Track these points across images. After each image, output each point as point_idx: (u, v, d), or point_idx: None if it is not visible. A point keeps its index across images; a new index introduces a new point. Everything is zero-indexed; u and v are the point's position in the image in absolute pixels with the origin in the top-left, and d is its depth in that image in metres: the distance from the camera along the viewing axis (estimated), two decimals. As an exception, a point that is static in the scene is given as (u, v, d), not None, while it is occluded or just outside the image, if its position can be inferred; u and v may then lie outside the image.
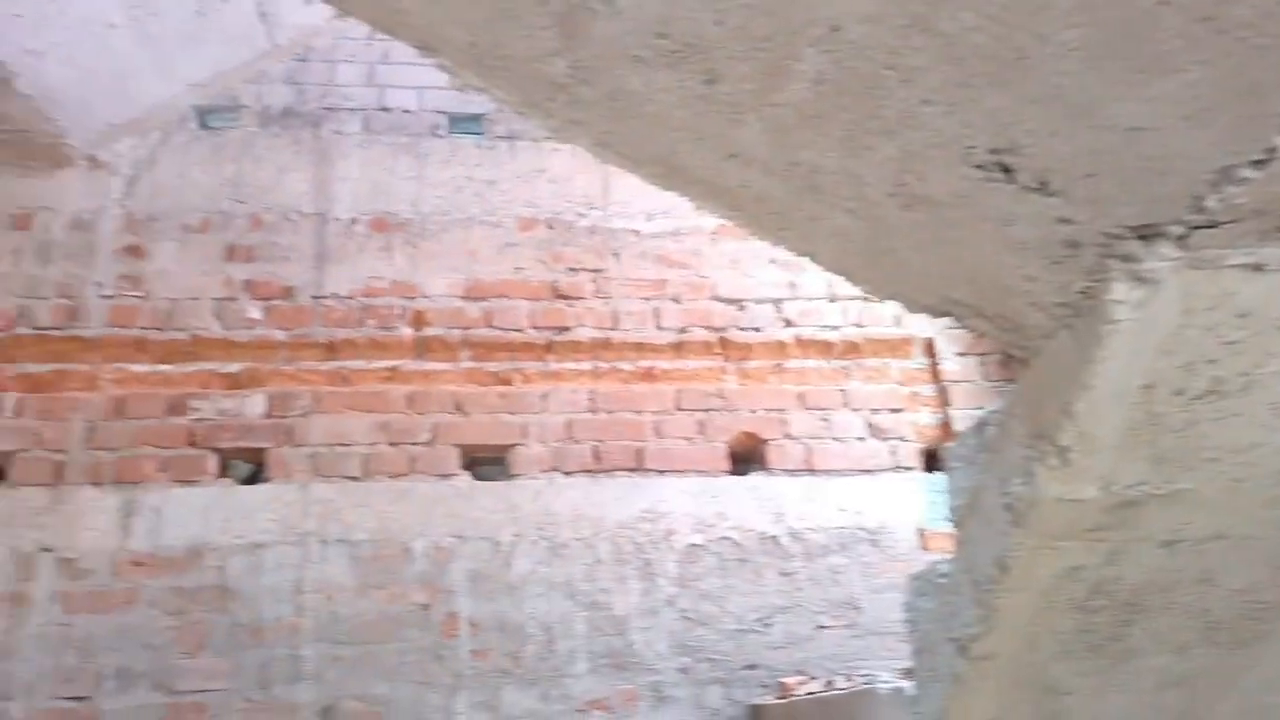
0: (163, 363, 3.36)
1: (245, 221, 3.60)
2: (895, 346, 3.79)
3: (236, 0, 3.57)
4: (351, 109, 3.91)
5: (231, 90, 3.84)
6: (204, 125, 3.80)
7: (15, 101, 3.23)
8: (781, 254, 3.81)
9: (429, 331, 3.52)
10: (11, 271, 3.43)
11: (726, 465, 3.51)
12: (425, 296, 3.57)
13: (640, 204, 3.86)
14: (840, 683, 2.81)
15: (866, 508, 3.47)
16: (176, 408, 3.29)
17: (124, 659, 2.93)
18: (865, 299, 3.76)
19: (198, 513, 3.14)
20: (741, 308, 3.75)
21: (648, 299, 3.74)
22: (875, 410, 3.67)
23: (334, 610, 3.07)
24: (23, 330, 3.34)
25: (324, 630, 3.04)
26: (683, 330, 3.69)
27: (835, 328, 3.77)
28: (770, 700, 2.97)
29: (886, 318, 3.80)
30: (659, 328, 3.70)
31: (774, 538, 3.37)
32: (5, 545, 3.03)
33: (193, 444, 3.25)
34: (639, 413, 3.55)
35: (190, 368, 3.36)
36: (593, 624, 3.15)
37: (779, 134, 1.14)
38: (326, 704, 2.94)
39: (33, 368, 3.32)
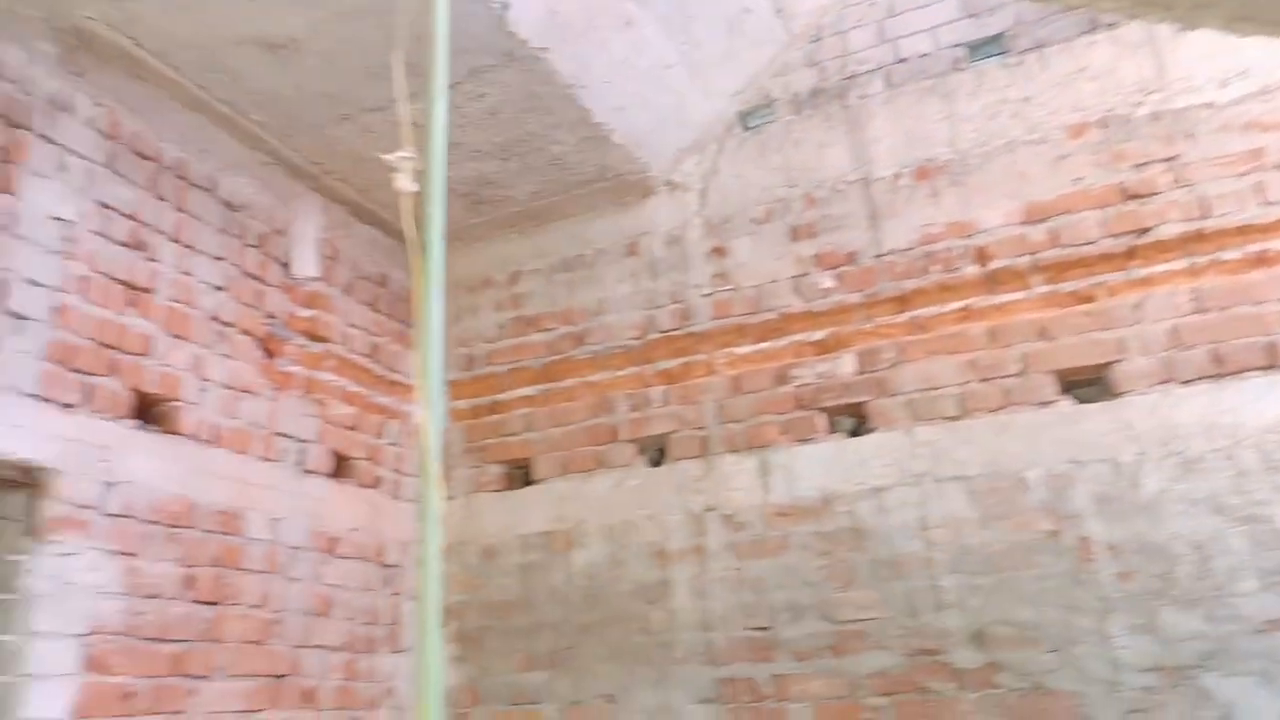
0: (760, 341, 3.85)
1: (800, 203, 3.95)
2: None
3: (756, 8, 3.94)
4: (870, 71, 4.04)
5: (763, 89, 4.23)
6: (746, 127, 4.25)
7: (612, 152, 3.97)
8: None
9: (994, 265, 3.50)
10: (634, 290, 4.22)
11: (1400, 346, 2.90)
12: (983, 231, 3.56)
13: (1208, 72, 3.38)
14: None
15: None
16: (781, 378, 3.74)
17: (790, 595, 3.44)
18: None
19: (820, 465, 3.55)
20: (1377, 157, 3.07)
21: (1242, 174, 3.26)
22: None
23: (961, 543, 3.23)
24: (653, 335, 4.09)
25: (956, 562, 3.22)
26: (1299, 200, 3.14)
27: None
28: None
29: None
30: (1264, 204, 3.20)
31: None
32: (680, 509, 3.75)
33: (801, 407, 3.68)
34: (1259, 304, 3.11)
35: (783, 342, 3.80)
36: (1254, 539, 2.85)
37: None
38: (975, 629, 3.11)
39: (664, 364, 4.04)
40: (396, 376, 4.40)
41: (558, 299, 4.38)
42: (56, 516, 2.77)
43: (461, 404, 4.42)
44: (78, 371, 2.90)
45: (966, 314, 3.50)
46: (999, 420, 3.31)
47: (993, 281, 3.49)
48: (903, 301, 3.63)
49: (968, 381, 3.41)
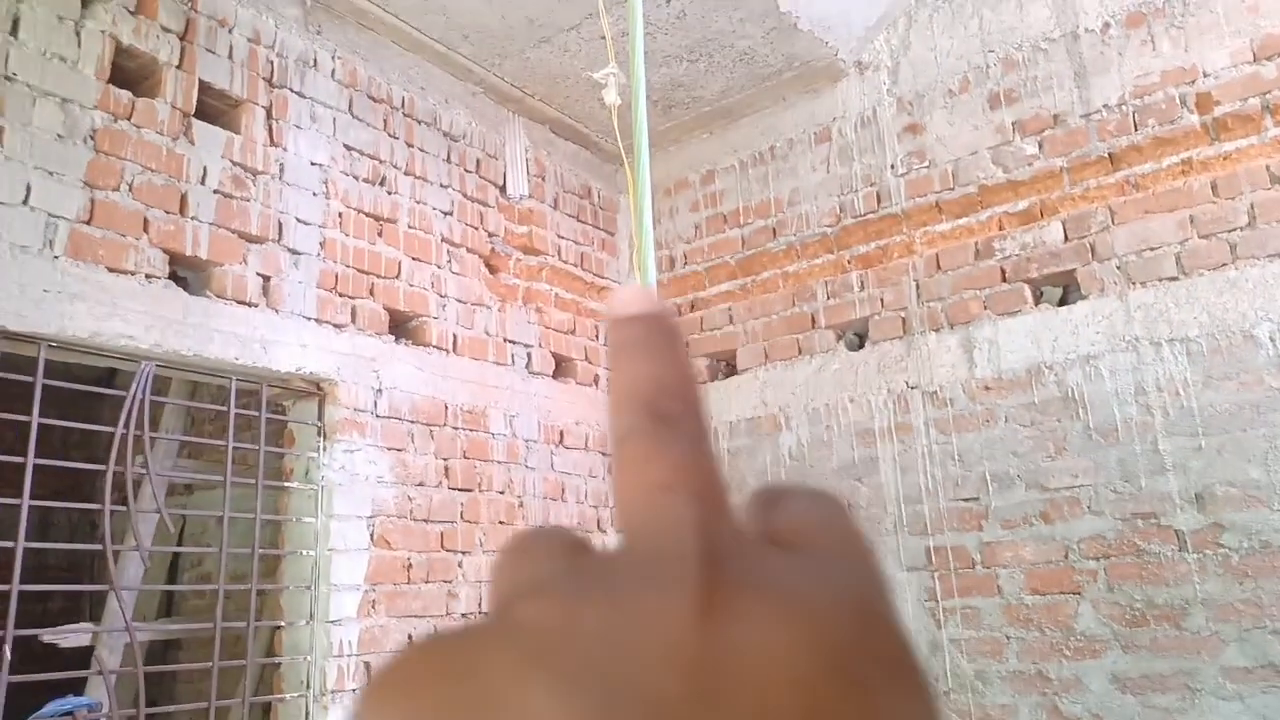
0: (960, 217, 3.80)
1: (999, 67, 3.80)
2: None
3: None
4: (1071, -87, 3.76)
5: (953, -48, 4.04)
6: (939, -4, 4.09)
7: (799, 40, 3.97)
8: None
9: (1219, 111, 3.25)
10: (826, 177, 4.25)
11: None
12: (1205, 75, 3.30)
13: None
14: None
15: None
16: (983, 252, 3.70)
17: (997, 466, 3.49)
18: None
19: (1026, 337, 3.51)
20: None
21: None
22: None
23: (1182, 405, 3.13)
24: (847, 221, 4.12)
25: (1175, 425, 3.14)
26: None
27: None
28: None
29: None
30: None
31: None
32: (884, 388, 3.85)
33: (1005, 280, 3.62)
34: None
35: (984, 215, 3.73)
36: None
37: None
38: (1197, 491, 3.05)
39: (862, 249, 4.08)
40: (604, 282, 4.70)
41: (752, 193, 4.48)
42: (340, 419, 3.29)
43: (667, 303, 4.67)
44: (344, 295, 3.39)
45: (1187, 167, 3.30)
46: (1224, 277, 3.14)
47: (1218, 128, 3.25)
48: (1114, 161, 3.45)
49: (1187, 239, 3.24)
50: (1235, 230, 3.15)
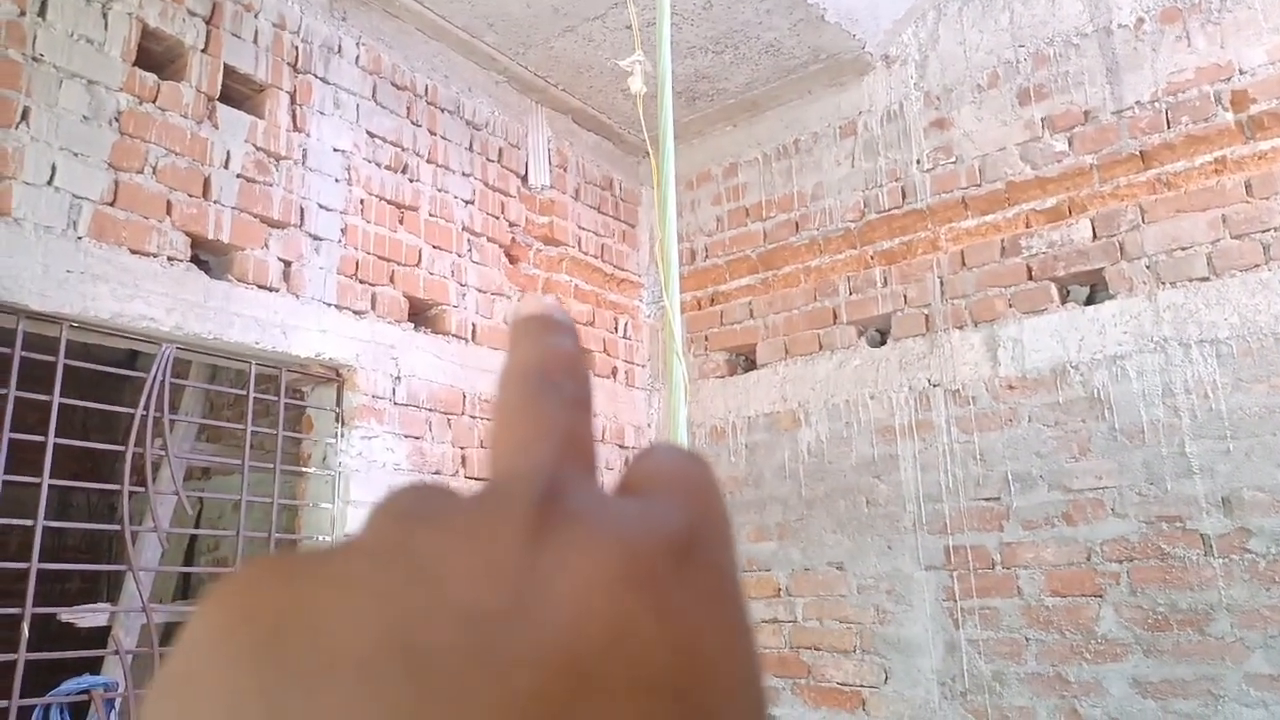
0: (986, 214, 3.75)
1: (1029, 63, 3.74)
2: None
3: None
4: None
5: (984, -56, 3.98)
6: (968, -11, 4.03)
7: (826, 32, 3.93)
8: None
9: (1255, 109, 3.18)
10: (850, 171, 4.21)
11: None
12: (1241, 73, 3.23)
13: None
14: None
15: None
16: (1009, 249, 3.65)
17: (1020, 466, 3.44)
18: None
19: (1052, 336, 3.46)
20: None
21: None
22: None
23: (1210, 407, 3.08)
24: (871, 216, 4.08)
25: (1204, 427, 3.08)
26: None
27: None
28: None
29: None
30: None
31: None
32: (905, 386, 3.81)
33: (1031, 278, 3.57)
34: None
35: (1011, 212, 3.68)
36: None
37: None
38: (1224, 495, 2.99)
39: (885, 244, 4.03)
40: (624, 274, 4.68)
41: (775, 187, 4.45)
42: (358, 406, 3.28)
43: (685, 297, 4.64)
44: (364, 283, 3.38)
45: (1220, 166, 3.23)
46: (1257, 278, 3.08)
47: (1254, 127, 3.19)
48: (1145, 159, 3.39)
49: (1219, 239, 3.18)
50: (1269, 230, 3.09)
